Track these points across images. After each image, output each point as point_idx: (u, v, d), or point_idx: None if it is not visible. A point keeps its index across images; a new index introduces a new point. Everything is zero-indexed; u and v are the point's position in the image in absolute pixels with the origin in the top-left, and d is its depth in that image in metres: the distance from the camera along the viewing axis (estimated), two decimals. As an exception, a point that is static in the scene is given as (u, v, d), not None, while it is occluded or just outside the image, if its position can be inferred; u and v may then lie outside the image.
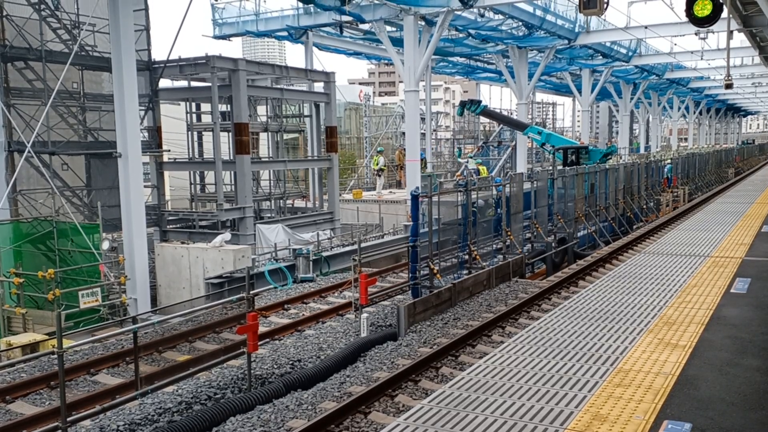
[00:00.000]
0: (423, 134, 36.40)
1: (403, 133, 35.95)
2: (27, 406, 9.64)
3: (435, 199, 13.80)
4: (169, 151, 23.07)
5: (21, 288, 14.37)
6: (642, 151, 56.74)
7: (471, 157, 35.75)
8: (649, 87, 53.67)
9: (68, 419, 7.43)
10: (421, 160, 38.28)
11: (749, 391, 5.13)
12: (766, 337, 6.43)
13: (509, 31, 29.14)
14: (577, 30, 31.04)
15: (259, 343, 10.20)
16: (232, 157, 22.11)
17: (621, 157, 32.87)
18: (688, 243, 11.67)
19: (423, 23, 25.08)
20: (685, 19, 12.57)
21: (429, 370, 9.63)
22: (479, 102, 33.51)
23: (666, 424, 4.56)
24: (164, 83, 23.04)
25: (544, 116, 60.88)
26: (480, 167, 31.44)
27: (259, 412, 8.51)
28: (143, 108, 19.30)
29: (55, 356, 7.17)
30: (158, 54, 30.98)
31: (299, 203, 28.20)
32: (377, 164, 34.21)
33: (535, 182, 18.22)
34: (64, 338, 7.41)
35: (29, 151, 15.71)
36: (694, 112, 71.85)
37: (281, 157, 25.80)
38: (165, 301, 17.65)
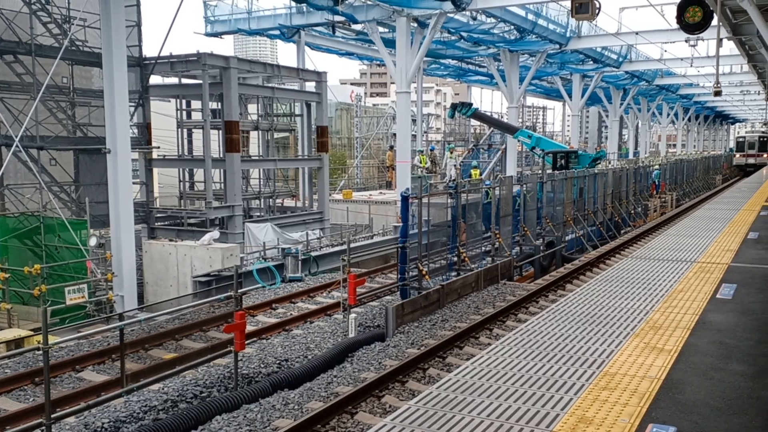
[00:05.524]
0: (414, 136, 36.47)
1: (394, 134, 36.01)
2: (11, 402, 9.57)
3: (425, 200, 13.83)
4: (159, 148, 22.94)
5: (6, 283, 14.26)
6: (631, 156, 57.04)
7: (450, 149, 36.02)
8: (639, 93, 53.97)
9: (52, 416, 7.38)
10: (431, 152, 38.57)
11: (733, 396, 5.18)
12: (751, 343, 6.49)
13: (501, 34, 29.22)
14: (568, 35, 31.19)
15: (247, 342, 10.20)
16: (221, 155, 22.04)
17: (610, 162, 33.04)
18: (675, 248, 11.75)
19: (415, 25, 25.11)
20: (675, 26, 12.68)
21: (416, 371, 9.65)
22: (470, 105, 33.56)
23: (651, 428, 4.59)
24: (155, 80, 22.95)
25: (535, 120, 61.23)
26: (473, 170, 31.50)
27: (245, 411, 8.49)
28: (133, 104, 19.17)
29: (40, 352, 7.12)
30: (149, 50, 30.81)
31: (289, 202, 28.15)
32: (425, 163, 34.40)
33: (524, 186, 18.29)
34: (49, 334, 7.36)
35: (17, 146, 15.58)
36: (683, 119, 72.35)
37: (271, 156, 25.76)
38: (152, 298, 17.55)
